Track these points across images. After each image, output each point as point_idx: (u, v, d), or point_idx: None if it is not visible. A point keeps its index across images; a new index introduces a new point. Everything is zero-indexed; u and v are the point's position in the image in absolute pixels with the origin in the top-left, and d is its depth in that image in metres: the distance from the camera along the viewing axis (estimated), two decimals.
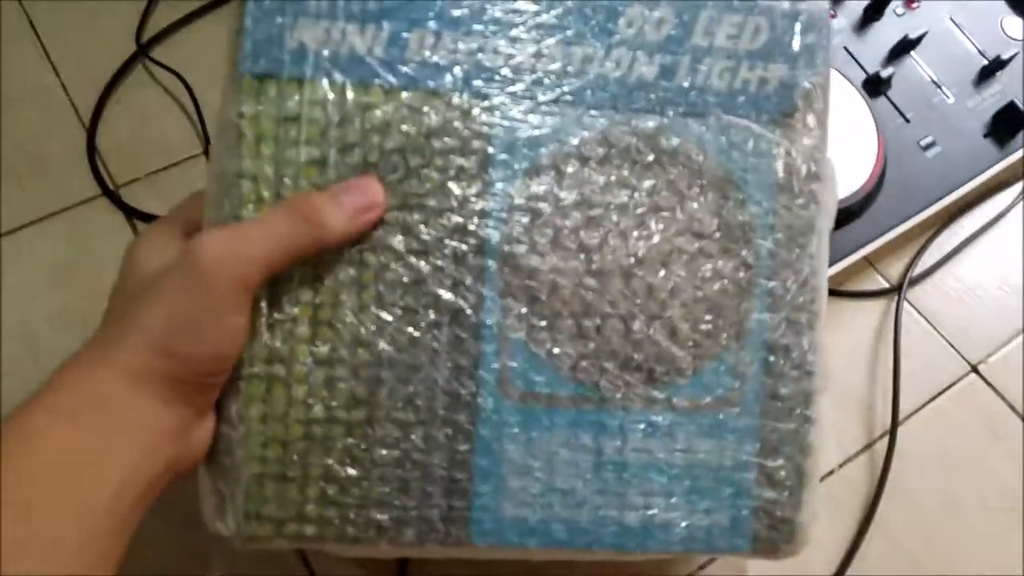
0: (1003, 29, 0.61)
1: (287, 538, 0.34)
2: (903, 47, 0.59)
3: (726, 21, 0.36)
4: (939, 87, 0.59)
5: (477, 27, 0.34)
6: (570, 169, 0.35)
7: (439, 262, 0.34)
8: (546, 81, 0.35)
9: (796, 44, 0.36)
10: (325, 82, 0.33)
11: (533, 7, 0.35)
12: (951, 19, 0.61)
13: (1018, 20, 0.62)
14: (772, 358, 0.35)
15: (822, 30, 0.36)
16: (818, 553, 0.48)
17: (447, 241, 0.34)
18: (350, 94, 0.33)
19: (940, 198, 0.56)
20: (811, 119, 0.36)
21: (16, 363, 0.52)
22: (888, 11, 0.60)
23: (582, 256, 0.34)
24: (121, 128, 0.61)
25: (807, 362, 0.35)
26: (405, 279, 0.34)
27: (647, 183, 0.35)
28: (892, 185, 0.55)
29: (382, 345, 0.34)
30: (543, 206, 0.34)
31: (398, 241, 0.34)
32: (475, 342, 0.34)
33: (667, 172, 0.35)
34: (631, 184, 0.35)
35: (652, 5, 0.35)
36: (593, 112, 0.35)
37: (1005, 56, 0.59)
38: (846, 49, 0.59)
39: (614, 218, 0.35)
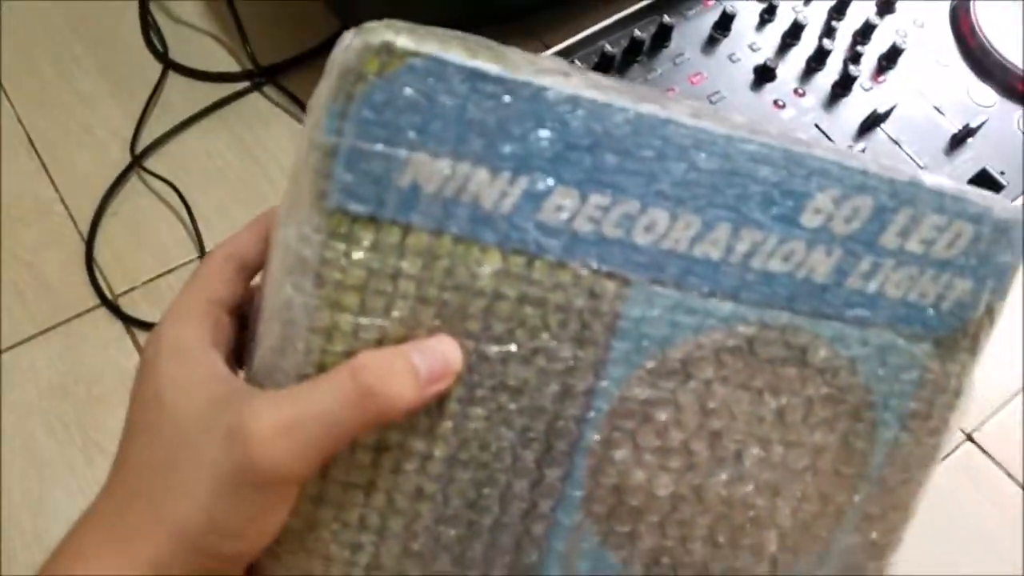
0: (971, 97, 0.63)
1: None
2: (873, 121, 0.61)
3: (927, 223, 0.29)
4: (911, 157, 0.60)
5: (635, 191, 0.27)
6: (700, 375, 0.28)
7: (519, 452, 0.28)
8: (698, 269, 0.28)
9: (991, 262, 0.30)
10: (435, 234, 0.26)
11: (716, 175, 0.27)
12: (918, 90, 0.63)
13: (985, 87, 0.63)
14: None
15: (1018, 248, 0.31)
16: None
17: (535, 427, 0.28)
18: (460, 250, 0.26)
19: None
20: (973, 345, 0.31)
21: (17, 476, 0.53)
22: (855, 86, 0.62)
23: (686, 472, 0.29)
24: (117, 238, 0.63)
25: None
26: (469, 494, 0.28)
27: (778, 403, 0.29)
28: None
29: (438, 552, 0.29)
30: (658, 412, 0.28)
31: (467, 440, 0.28)
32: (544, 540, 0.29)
33: (805, 390, 0.30)
34: (760, 402, 0.29)
35: (851, 191, 0.28)
36: (743, 311, 0.28)
37: (974, 124, 0.60)
38: (817, 126, 0.60)
39: (729, 445, 0.29)
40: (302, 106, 0.69)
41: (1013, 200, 0.59)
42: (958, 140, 0.61)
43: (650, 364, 0.28)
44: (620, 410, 0.28)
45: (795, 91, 0.61)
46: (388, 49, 0.25)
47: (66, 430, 0.54)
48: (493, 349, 0.27)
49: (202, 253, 0.62)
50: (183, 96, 0.69)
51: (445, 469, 0.28)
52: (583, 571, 0.29)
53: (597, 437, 0.28)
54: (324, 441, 0.26)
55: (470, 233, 0.26)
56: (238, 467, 0.25)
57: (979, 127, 0.60)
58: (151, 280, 0.61)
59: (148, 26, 0.70)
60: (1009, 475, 0.53)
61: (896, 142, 0.61)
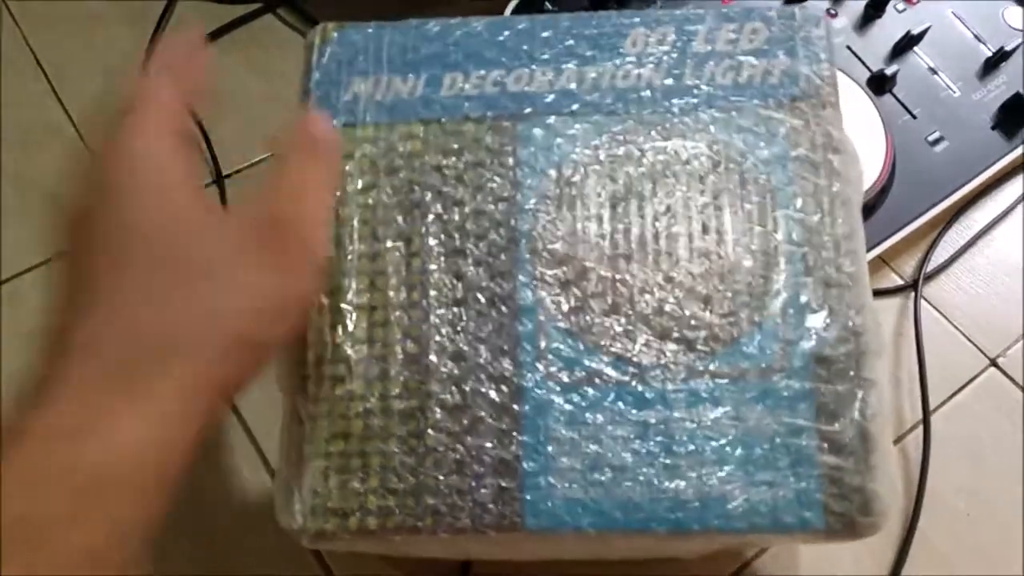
0: (1005, 20, 0.61)
1: (351, 533, 0.35)
2: (906, 43, 0.59)
3: (724, 29, 0.40)
4: (944, 81, 0.59)
5: (500, 61, 0.40)
6: (588, 167, 0.38)
7: (478, 256, 0.37)
8: (563, 96, 0.39)
9: (796, 39, 0.40)
10: (372, 124, 0.39)
11: (548, 40, 0.40)
12: (952, 13, 0.61)
13: (1019, 10, 0.61)
14: (814, 320, 0.36)
15: (819, 24, 0.40)
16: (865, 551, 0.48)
17: (483, 237, 0.37)
18: (395, 130, 0.39)
19: (951, 193, 0.56)
20: (818, 100, 0.38)
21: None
22: (889, 8, 0.60)
23: (608, 239, 0.37)
24: None
25: (853, 323, 0.36)
26: (447, 276, 0.37)
27: (662, 168, 0.38)
28: (902, 182, 0.55)
29: (430, 336, 0.36)
30: (565, 200, 0.38)
31: (439, 244, 0.37)
32: (513, 324, 0.36)
33: (680, 156, 0.38)
34: (650, 172, 0.38)
35: (652, 25, 0.40)
36: (609, 117, 0.39)
37: (1008, 47, 0.58)
38: (849, 48, 0.59)
39: (636, 204, 0.37)
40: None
41: None
42: (992, 63, 0.59)
43: (551, 165, 0.38)
44: (540, 200, 0.38)
45: (827, 12, 0.60)
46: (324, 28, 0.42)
47: None
48: (433, 188, 0.38)
49: (218, 175, 0.61)
50: (195, 18, 0.67)
51: (425, 273, 0.37)
52: (553, 344, 0.36)
53: (527, 227, 0.37)
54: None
55: (398, 116, 0.39)
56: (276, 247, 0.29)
57: (1013, 50, 0.59)
58: None
59: None
60: None
61: (930, 66, 0.59)
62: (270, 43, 0.67)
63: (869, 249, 0.53)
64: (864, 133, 0.55)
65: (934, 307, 0.56)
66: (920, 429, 0.51)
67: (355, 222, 0.38)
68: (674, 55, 0.40)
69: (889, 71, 0.57)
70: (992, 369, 0.54)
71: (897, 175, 0.55)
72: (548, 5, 0.59)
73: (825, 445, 0.35)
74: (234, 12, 0.68)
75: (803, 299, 0.36)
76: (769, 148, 0.38)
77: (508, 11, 0.59)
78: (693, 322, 0.36)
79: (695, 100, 0.39)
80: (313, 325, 0.37)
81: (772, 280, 0.36)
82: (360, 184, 0.39)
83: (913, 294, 0.56)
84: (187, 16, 0.68)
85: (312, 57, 0.41)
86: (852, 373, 0.35)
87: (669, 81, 0.39)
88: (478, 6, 0.49)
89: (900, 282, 0.57)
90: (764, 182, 0.37)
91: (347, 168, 0.39)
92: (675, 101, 0.39)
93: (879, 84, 0.58)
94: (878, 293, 0.56)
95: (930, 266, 0.57)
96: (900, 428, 0.52)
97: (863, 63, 0.59)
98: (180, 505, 0.32)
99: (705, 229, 0.37)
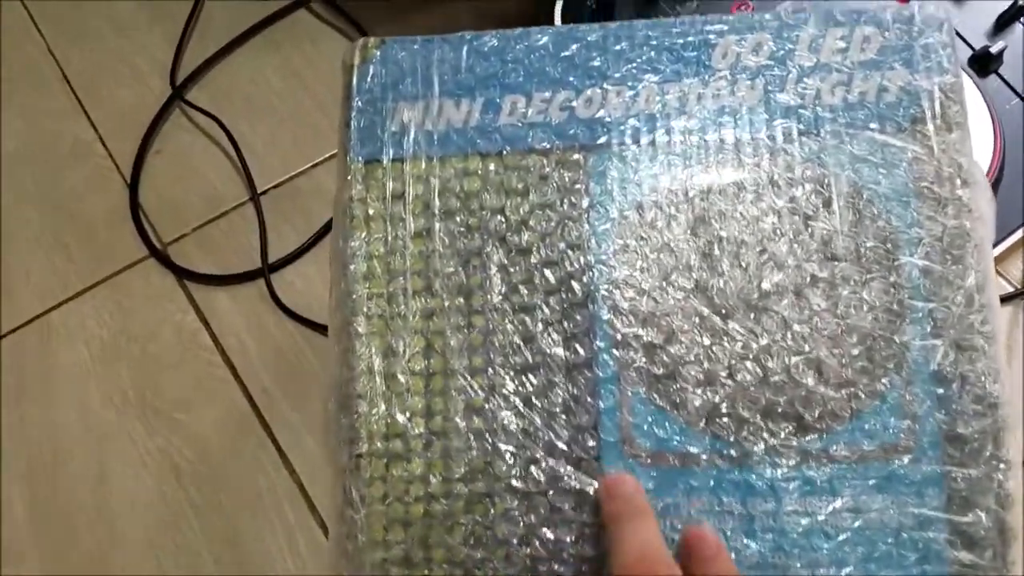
0: None
1: None
2: (1012, 15, 0.52)
3: (831, 36, 0.34)
4: None
5: (568, 80, 0.35)
6: (675, 207, 0.33)
7: (547, 317, 0.32)
8: (643, 122, 0.34)
9: (915, 47, 0.33)
10: (424, 157, 0.35)
11: (623, 53, 0.35)
12: None
13: None
14: (944, 391, 0.31)
15: (941, 27, 0.34)
16: None
17: (553, 294, 0.33)
18: (449, 164, 0.34)
19: None
20: (944, 122, 0.33)
21: (75, 448, 0.49)
22: None
23: (700, 295, 0.32)
24: (163, 179, 0.58)
25: (989, 393, 0.31)
26: (515, 338, 0.32)
27: (763, 208, 0.32)
28: (1013, 176, 0.49)
29: (495, 410, 0.32)
30: (649, 247, 0.33)
31: (503, 299, 0.33)
32: (592, 399, 0.32)
33: (786, 193, 0.32)
34: (746, 213, 0.33)
35: (746, 32, 0.34)
36: (695, 145, 0.33)
37: None
38: None
39: (732, 250, 0.32)
40: (353, 22, 0.62)
41: None
42: None
43: (626, 208, 0.33)
44: (617, 251, 0.33)
45: None
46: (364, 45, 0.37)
47: (123, 396, 0.51)
48: (494, 236, 0.33)
49: (253, 192, 0.56)
50: (224, 16, 0.63)
51: (488, 334, 0.33)
52: (637, 421, 0.31)
53: (604, 282, 0.32)
54: None
55: (453, 148, 0.34)
56: None
57: None
58: (201, 226, 0.56)
59: None
60: None
61: None
62: (304, 40, 0.63)
63: None
64: (969, 124, 0.48)
65: None
66: None
67: (407, 274, 0.34)
68: (773, 69, 0.34)
69: (994, 49, 0.51)
70: None
71: (1007, 168, 0.49)
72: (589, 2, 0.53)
73: (956, 538, 0.30)
74: (265, 9, 0.63)
75: (932, 366, 0.31)
76: (889, 182, 0.32)
77: (557, 10, 0.53)
78: (804, 394, 0.31)
79: (800, 124, 0.33)
80: (365, 395, 0.33)
81: (895, 343, 0.31)
82: (412, 229, 0.34)
83: None
84: (216, 14, 0.63)
85: (352, 81, 0.36)
86: (988, 453, 0.30)
87: (768, 101, 0.33)
88: None
89: (1010, 289, 0.51)
90: (884, 224, 0.32)
91: (398, 211, 0.34)
92: (777, 125, 0.33)
93: (983, 64, 0.51)
94: None
95: None
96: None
97: (964, 40, 0.52)
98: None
99: (814, 281, 0.32)
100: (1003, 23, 0.53)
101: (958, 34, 0.52)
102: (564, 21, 0.53)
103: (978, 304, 0.31)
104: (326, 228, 0.55)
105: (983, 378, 0.30)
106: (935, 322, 0.31)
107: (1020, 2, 0.51)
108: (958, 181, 0.32)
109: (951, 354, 0.31)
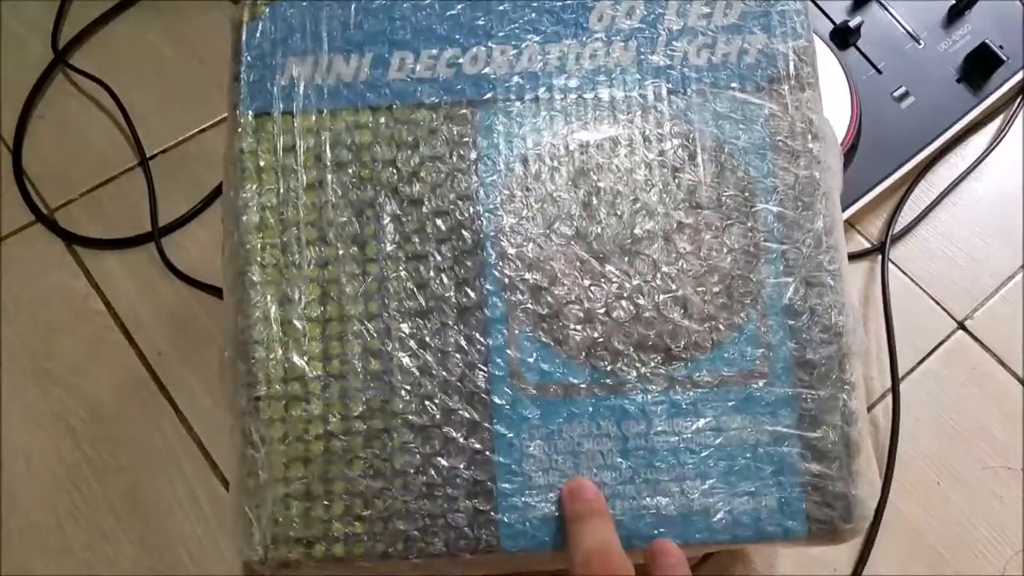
0: None
1: (316, 561, 0.33)
2: None
3: (696, 1, 0.37)
4: (909, 33, 0.56)
5: (455, 38, 0.36)
6: (556, 160, 0.35)
7: (440, 261, 0.34)
8: (526, 80, 0.36)
9: (772, 13, 0.37)
10: (315, 111, 0.36)
11: (506, 13, 0.37)
12: None
13: None
14: (795, 322, 0.34)
15: None
16: None
17: (445, 242, 0.34)
18: (340, 118, 0.36)
19: (918, 151, 0.54)
20: (798, 82, 0.36)
21: None
22: None
23: (580, 241, 0.34)
24: (47, 145, 0.57)
25: (835, 324, 0.34)
26: (408, 284, 0.34)
27: (636, 162, 0.35)
28: (868, 141, 0.53)
29: (392, 352, 0.34)
30: (533, 197, 0.35)
31: (397, 248, 0.35)
32: (483, 338, 0.34)
33: (656, 148, 0.35)
34: (621, 166, 0.35)
35: None
36: (574, 102, 0.36)
37: None
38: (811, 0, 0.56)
39: (608, 200, 0.35)
40: None
41: (1013, 74, 0.56)
42: (956, 12, 0.57)
43: (512, 160, 0.35)
44: (504, 201, 0.35)
45: None
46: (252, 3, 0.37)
47: (13, 360, 0.50)
48: (387, 187, 0.35)
49: (142, 157, 0.56)
50: None
51: (383, 281, 0.34)
52: (525, 357, 0.34)
53: (492, 230, 0.34)
54: None
55: (343, 102, 0.36)
56: None
57: None
58: (89, 191, 0.55)
59: None
60: (1002, 363, 0.52)
61: (892, 13, 0.57)
62: (189, 6, 0.62)
63: None
64: (828, 91, 0.52)
65: (901, 270, 0.55)
66: (889, 398, 0.50)
67: (301, 224, 0.35)
68: (645, 32, 0.36)
69: (853, 23, 0.55)
70: (960, 332, 0.53)
71: (863, 134, 0.53)
72: None
73: (808, 452, 0.34)
74: None
75: (785, 300, 0.34)
76: (747, 136, 0.35)
77: None
78: (671, 328, 0.34)
79: (669, 84, 0.36)
80: (262, 341, 0.34)
81: (752, 281, 0.34)
82: (305, 181, 0.35)
83: (880, 257, 0.54)
84: None
85: (241, 37, 0.37)
86: (834, 376, 0.34)
87: (640, 61, 0.36)
88: None
89: (867, 246, 0.55)
90: (743, 175, 0.35)
91: (289, 163, 0.35)
92: (648, 84, 0.36)
93: (843, 37, 0.55)
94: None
95: (897, 228, 0.55)
96: (869, 397, 0.51)
97: (826, 15, 0.56)
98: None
99: (681, 227, 0.35)
100: (862, 0, 0.57)
101: (820, 9, 0.56)
102: None
103: (825, 245, 0.34)
104: (217, 191, 0.55)
105: (830, 311, 0.34)
106: (787, 262, 0.34)
107: None
108: (809, 136, 0.35)
109: (801, 290, 0.34)
